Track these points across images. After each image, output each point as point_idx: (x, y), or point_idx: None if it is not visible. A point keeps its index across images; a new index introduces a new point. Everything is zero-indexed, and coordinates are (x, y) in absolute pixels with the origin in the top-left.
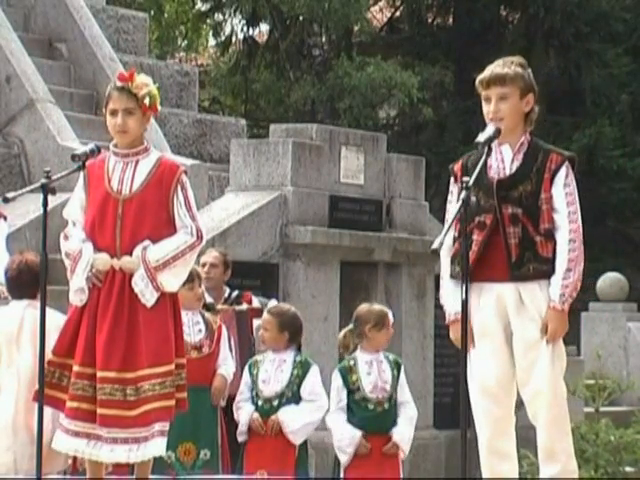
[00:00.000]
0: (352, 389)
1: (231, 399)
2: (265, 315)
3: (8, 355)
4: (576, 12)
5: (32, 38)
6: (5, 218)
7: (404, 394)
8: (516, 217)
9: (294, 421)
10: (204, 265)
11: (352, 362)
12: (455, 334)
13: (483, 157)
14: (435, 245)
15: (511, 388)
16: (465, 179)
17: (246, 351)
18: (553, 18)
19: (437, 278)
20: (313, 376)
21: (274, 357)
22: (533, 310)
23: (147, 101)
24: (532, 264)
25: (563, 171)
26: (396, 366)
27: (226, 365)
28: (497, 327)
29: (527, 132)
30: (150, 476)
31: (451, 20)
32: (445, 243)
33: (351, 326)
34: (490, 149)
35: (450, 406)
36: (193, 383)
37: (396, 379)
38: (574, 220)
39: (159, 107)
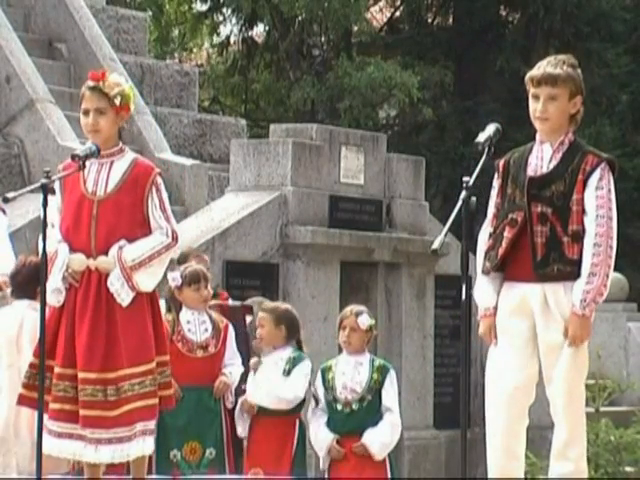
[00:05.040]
0: (327, 388)
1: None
2: (260, 312)
3: (8, 356)
4: (576, 12)
5: (32, 38)
6: (4, 211)
7: (389, 400)
8: (545, 216)
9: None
10: None
11: (334, 362)
12: (483, 329)
13: (483, 157)
14: (435, 245)
15: (529, 390)
16: (465, 179)
17: (242, 346)
18: (553, 18)
19: (437, 278)
20: (298, 372)
21: (273, 355)
22: (556, 312)
23: (117, 101)
24: (557, 265)
25: (597, 173)
26: (378, 371)
27: (232, 366)
28: (521, 327)
29: (570, 132)
30: (152, 476)
31: (451, 20)
32: (480, 237)
33: None
34: (491, 149)
35: (450, 406)
36: (199, 382)
37: (376, 383)
38: (602, 224)
39: (132, 107)
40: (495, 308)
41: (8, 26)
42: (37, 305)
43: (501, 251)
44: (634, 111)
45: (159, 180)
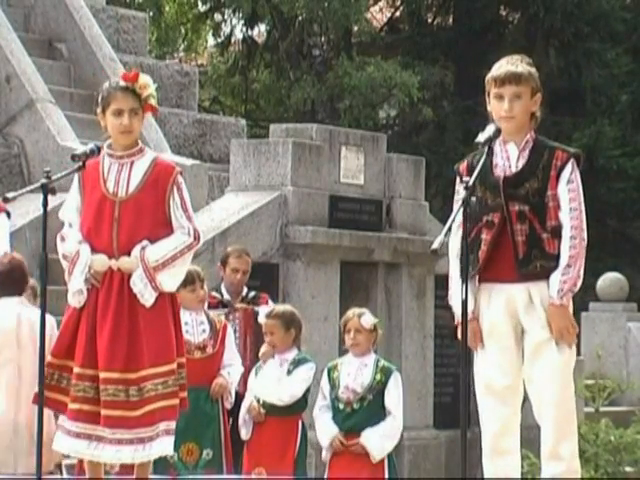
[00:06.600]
0: (332, 386)
1: (240, 399)
2: (267, 321)
3: (8, 350)
4: (576, 12)
5: (32, 38)
6: (8, 214)
7: (391, 402)
8: (523, 214)
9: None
10: (237, 271)
11: (340, 361)
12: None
13: (483, 157)
14: (435, 245)
15: (518, 388)
16: (465, 179)
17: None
18: (553, 18)
19: (437, 278)
20: (298, 373)
21: (278, 356)
22: (541, 310)
23: (153, 101)
24: (539, 261)
25: (568, 168)
26: (382, 371)
27: (231, 367)
28: (507, 327)
29: (532, 130)
30: (150, 476)
31: (451, 20)
32: (452, 243)
33: None
34: (491, 149)
35: (450, 406)
36: (196, 383)
37: (378, 383)
38: (575, 217)
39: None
40: (474, 312)
41: (8, 26)
42: (26, 301)
43: (482, 254)
44: (634, 111)
45: (180, 179)
